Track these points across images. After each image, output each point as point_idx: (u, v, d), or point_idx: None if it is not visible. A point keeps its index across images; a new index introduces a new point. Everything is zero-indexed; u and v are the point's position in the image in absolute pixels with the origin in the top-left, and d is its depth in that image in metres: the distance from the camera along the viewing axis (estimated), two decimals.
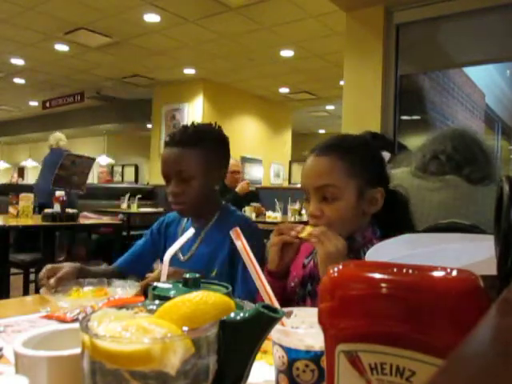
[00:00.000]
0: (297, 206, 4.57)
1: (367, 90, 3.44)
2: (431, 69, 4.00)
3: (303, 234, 0.95)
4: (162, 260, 1.35)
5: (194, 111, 7.48)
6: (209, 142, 1.33)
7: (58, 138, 5.01)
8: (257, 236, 1.33)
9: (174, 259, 1.33)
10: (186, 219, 1.44)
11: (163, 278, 0.79)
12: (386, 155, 2.94)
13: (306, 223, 1.04)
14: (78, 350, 0.43)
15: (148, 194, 6.82)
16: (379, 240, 1.00)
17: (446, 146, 1.40)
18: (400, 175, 1.47)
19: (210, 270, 1.28)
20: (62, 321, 0.89)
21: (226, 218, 1.37)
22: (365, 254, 0.99)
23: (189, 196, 1.30)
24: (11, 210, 3.21)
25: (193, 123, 1.37)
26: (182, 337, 0.40)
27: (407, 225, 1.06)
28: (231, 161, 1.48)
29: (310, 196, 1.02)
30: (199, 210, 1.35)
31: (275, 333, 0.56)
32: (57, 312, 0.93)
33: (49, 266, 1.18)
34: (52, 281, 1.12)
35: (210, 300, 0.44)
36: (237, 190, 4.43)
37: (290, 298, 1.03)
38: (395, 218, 1.05)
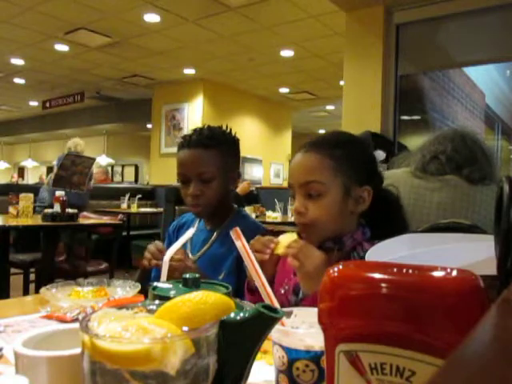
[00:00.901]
0: None
1: (367, 89, 3.44)
2: (431, 69, 4.00)
3: (280, 251, 0.92)
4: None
5: (194, 111, 7.48)
6: (225, 144, 1.35)
7: (77, 143, 5.10)
8: None
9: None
10: (198, 221, 1.45)
11: (163, 277, 0.79)
12: (381, 154, 2.93)
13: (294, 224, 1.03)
14: (77, 350, 0.43)
15: (148, 194, 6.83)
16: (369, 242, 0.98)
17: (446, 146, 1.40)
18: (400, 175, 1.47)
19: (219, 273, 1.28)
20: (62, 321, 0.89)
21: (238, 222, 1.35)
22: (354, 257, 0.98)
23: (208, 197, 1.32)
24: (11, 210, 3.21)
25: (206, 126, 1.40)
26: (182, 337, 0.39)
27: (400, 224, 1.04)
28: None
29: (295, 192, 1.00)
30: (215, 211, 1.37)
31: (275, 333, 0.56)
32: (57, 312, 0.93)
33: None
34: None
35: (209, 300, 0.44)
36: (237, 190, 4.43)
37: (282, 305, 1.01)
38: (387, 217, 1.04)
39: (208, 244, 1.36)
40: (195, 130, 1.36)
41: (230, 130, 1.41)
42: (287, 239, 0.94)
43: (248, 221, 1.42)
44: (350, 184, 0.98)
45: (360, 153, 1.04)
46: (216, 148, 1.32)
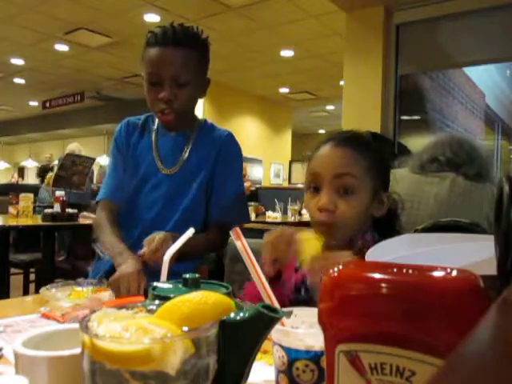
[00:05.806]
0: (297, 206, 4.57)
1: (367, 89, 3.44)
2: (431, 69, 4.00)
3: (305, 261, 0.86)
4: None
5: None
6: (199, 45, 1.24)
7: (76, 148, 5.17)
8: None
9: (155, 171, 1.28)
10: (156, 125, 1.34)
11: (163, 278, 0.79)
12: None
13: (304, 224, 1.01)
14: (77, 350, 0.43)
15: None
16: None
17: (445, 151, 1.43)
18: (400, 173, 1.51)
19: (192, 183, 1.25)
20: (62, 321, 0.89)
21: (208, 131, 1.31)
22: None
23: (181, 102, 1.20)
24: (11, 210, 3.21)
25: (176, 23, 1.24)
26: (182, 337, 0.39)
27: (392, 229, 1.02)
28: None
29: (322, 186, 0.95)
30: (184, 120, 1.28)
31: (275, 333, 0.56)
32: (57, 312, 0.93)
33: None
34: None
35: (209, 300, 0.44)
36: None
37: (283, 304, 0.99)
38: (385, 221, 1.02)
39: (185, 152, 1.28)
40: (167, 27, 1.21)
41: (202, 30, 1.28)
42: (310, 244, 0.89)
43: (219, 129, 1.34)
44: (377, 187, 0.97)
45: (384, 158, 1.03)
46: (192, 48, 1.20)
